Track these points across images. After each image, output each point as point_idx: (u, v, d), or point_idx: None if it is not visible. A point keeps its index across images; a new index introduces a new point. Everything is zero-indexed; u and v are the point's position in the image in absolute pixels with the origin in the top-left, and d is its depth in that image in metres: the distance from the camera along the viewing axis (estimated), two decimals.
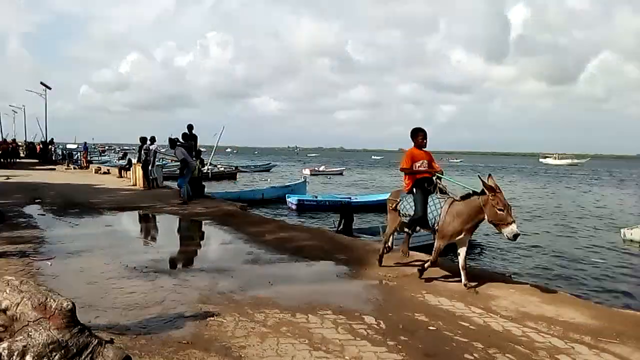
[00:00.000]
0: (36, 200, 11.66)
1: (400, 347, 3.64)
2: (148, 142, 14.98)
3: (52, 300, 1.47)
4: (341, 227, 11.36)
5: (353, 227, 11.47)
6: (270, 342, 3.68)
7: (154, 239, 8.54)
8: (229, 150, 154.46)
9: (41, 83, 34.26)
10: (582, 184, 45.85)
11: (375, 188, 32.34)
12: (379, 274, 5.74)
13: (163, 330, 3.85)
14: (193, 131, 13.55)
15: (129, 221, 9.81)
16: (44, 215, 9.81)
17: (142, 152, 14.99)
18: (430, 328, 4.07)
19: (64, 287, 4.85)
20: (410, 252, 6.73)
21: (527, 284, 5.58)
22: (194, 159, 12.97)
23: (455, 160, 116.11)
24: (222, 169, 35.97)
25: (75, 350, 1.39)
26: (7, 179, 16.27)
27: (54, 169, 24.04)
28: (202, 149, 14.67)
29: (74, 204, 11.21)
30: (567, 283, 10.11)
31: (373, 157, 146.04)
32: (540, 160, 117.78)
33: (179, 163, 13.28)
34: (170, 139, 13.03)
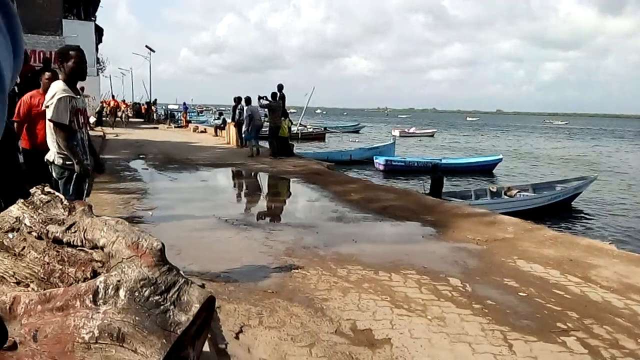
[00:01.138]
0: (140, 156, 12.61)
1: (486, 310, 3.51)
2: (243, 102, 15.44)
3: (144, 240, 1.55)
4: (430, 189, 11.07)
5: (443, 190, 11.11)
6: (352, 296, 3.71)
7: (245, 194, 8.93)
8: (318, 111, 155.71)
9: (146, 47, 36.56)
10: None
11: (468, 151, 31.07)
12: (467, 237, 5.54)
13: (250, 279, 4.03)
14: (283, 91, 13.76)
15: (222, 177, 10.31)
16: (147, 169, 10.60)
17: (237, 111, 15.53)
18: (521, 294, 3.87)
19: (162, 235, 5.25)
20: (500, 217, 6.42)
21: (633, 252, 5.09)
22: (282, 118, 13.22)
23: (559, 122, 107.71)
24: (311, 129, 36.33)
25: (163, 287, 1.46)
26: (116, 136, 17.77)
27: (157, 128, 25.77)
28: (292, 110, 14.93)
29: (174, 160, 11.98)
30: None
31: (468, 118, 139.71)
32: None
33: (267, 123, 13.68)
34: (259, 97, 13.42)
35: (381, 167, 18.79)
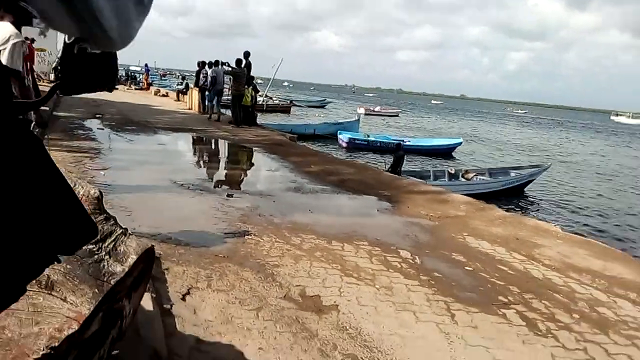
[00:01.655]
0: (97, 115, 12.14)
1: (432, 282, 3.60)
2: (206, 67, 15.03)
3: (80, 187, 1.49)
4: (390, 167, 11.21)
5: (403, 169, 11.28)
6: (303, 264, 3.73)
7: (203, 160, 8.77)
8: (286, 84, 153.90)
9: None
10: None
11: (430, 133, 31.55)
12: (420, 213, 5.65)
13: (202, 243, 3.98)
14: (249, 59, 13.46)
15: (181, 142, 10.08)
16: (102, 129, 10.22)
17: (200, 76, 15.11)
18: (467, 268, 3.99)
19: (113, 195, 5.10)
20: (454, 195, 6.57)
21: (577, 235, 5.34)
22: (247, 86, 12.98)
23: (519, 112, 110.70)
24: (277, 101, 35.92)
25: (98, 237, 1.40)
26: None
27: (117, 89, 24.80)
28: (259, 81, 14.69)
29: (132, 121, 11.60)
30: (622, 244, 9.66)
31: (433, 101, 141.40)
32: (612, 118, 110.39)
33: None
34: (221, 63, 13.15)
35: (344, 144, 18.84)
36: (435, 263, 4.05)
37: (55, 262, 0.83)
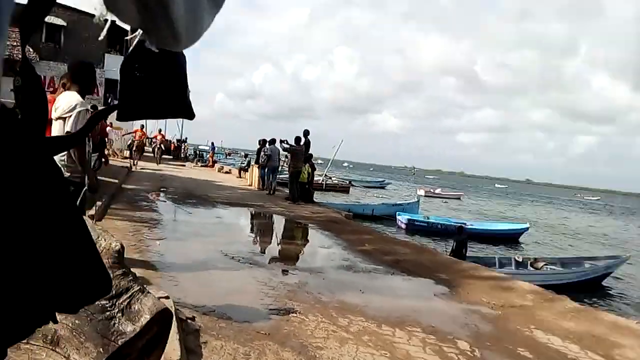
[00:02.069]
0: (161, 189, 12.68)
1: None
2: (266, 144, 15.56)
3: (102, 239, 1.41)
4: (452, 251, 10.66)
5: (466, 254, 10.66)
6: (349, 348, 3.44)
7: (256, 234, 8.77)
8: (345, 164, 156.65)
9: None
10: None
11: (495, 217, 30.37)
12: (482, 300, 5.20)
13: (245, 318, 3.81)
14: (308, 137, 13.81)
15: (237, 216, 10.20)
16: (165, 202, 10.60)
17: (261, 154, 15.63)
18: None
19: (165, 265, 5.11)
20: (519, 283, 6.06)
21: None
22: (305, 164, 13.21)
23: (590, 198, 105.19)
24: (336, 181, 36.33)
25: (114, 292, 1.30)
26: (141, 169, 18.03)
27: (184, 165, 26.17)
28: (319, 161, 15.02)
29: (193, 195, 11.99)
30: None
31: (496, 185, 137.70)
32: None
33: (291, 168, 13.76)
34: (280, 140, 13.57)
35: (403, 225, 18.39)
36: (498, 358, 3.62)
37: (51, 322, 0.71)
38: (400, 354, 3.44)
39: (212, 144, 34.69)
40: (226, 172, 23.36)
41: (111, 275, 1.36)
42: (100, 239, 1.42)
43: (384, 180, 57.82)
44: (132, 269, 3.76)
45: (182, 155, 32.87)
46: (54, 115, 3.45)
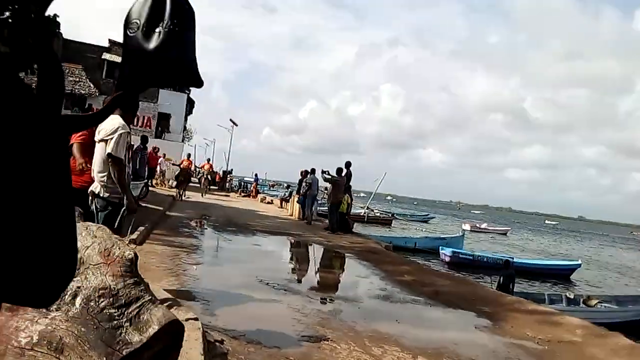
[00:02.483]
0: (203, 217, 12.90)
1: None
2: (308, 174, 15.65)
3: (117, 248, 1.41)
4: (499, 285, 10.18)
5: (513, 290, 10.13)
6: None
7: (293, 262, 8.71)
8: (388, 197, 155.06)
9: (230, 120, 38.96)
10: None
11: (543, 254, 29.06)
12: (526, 334, 4.89)
13: (275, 343, 3.72)
14: (350, 168, 13.80)
15: (276, 244, 10.20)
16: (205, 229, 10.76)
17: (302, 184, 15.72)
18: None
19: (199, 289, 5.12)
20: (567, 318, 5.69)
21: None
22: (345, 194, 13.16)
23: None
24: (378, 214, 35.94)
25: (123, 301, 1.29)
26: (187, 197, 18.44)
27: (228, 196, 26.64)
28: (362, 194, 14.97)
29: (234, 223, 12.11)
30: None
31: (546, 221, 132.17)
32: None
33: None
34: (322, 171, 13.58)
35: (447, 259, 17.82)
36: None
37: None
38: None
39: (256, 175, 35.24)
40: (268, 203, 23.59)
41: (122, 285, 1.35)
42: (114, 247, 1.42)
43: (428, 214, 56.68)
44: (164, 290, 3.78)
45: (227, 186, 33.49)
46: (97, 137, 3.58)
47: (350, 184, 13.87)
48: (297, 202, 16.09)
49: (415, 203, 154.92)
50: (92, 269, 1.37)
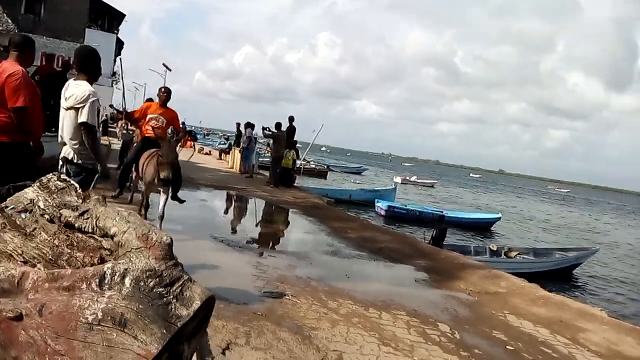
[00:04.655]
0: None
1: (473, 358, 3.50)
2: (246, 128, 15.57)
3: (153, 233, 1.60)
4: (432, 239, 10.99)
5: (444, 243, 11.00)
6: (340, 329, 3.70)
7: (242, 218, 8.95)
8: (323, 148, 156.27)
9: (163, 64, 37.20)
10: None
11: (467, 206, 31.12)
12: (460, 287, 5.54)
13: (240, 300, 4.02)
14: (293, 123, 13.94)
15: (222, 199, 10.35)
16: None
17: (243, 138, 15.70)
18: (509, 347, 3.86)
19: None
20: (494, 271, 6.43)
21: (624, 322, 5.08)
22: (288, 149, 13.36)
23: (561, 190, 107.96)
24: (314, 165, 36.53)
25: (168, 281, 1.50)
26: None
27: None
28: (299, 145, 15.16)
29: None
30: None
31: (471, 174, 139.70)
32: None
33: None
34: (262, 127, 13.61)
35: (382, 212, 18.72)
36: (475, 339, 3.94)
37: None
38: (388, 335, 3.72)
39: (183, 124, 34.32)
40: (206, 154, 23.34)
41: (164, 266, 1.56)
42: (151, 232, 1.61)
43: (361, 167, 58.27)
44: None
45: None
46: (65, 104, 3.53)
47: (295, 139, 14.07)
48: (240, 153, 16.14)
49: (348, 154, 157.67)
50: (134, 253, 1.56)
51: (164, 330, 1.39)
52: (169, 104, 6.41)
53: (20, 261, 1.71)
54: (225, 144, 24.66)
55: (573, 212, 45.74)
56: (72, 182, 1.93)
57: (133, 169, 6.42)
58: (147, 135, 6.25)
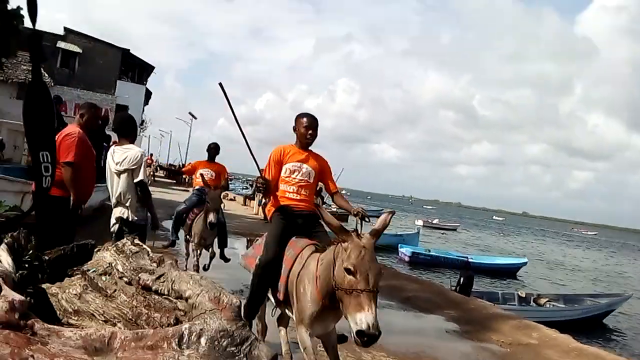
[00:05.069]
0: (170, 217, 12.97)
1: None
2: None
3: (224, 295, 1.79)
4: (458, 286, 10.91)
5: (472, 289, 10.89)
6: None
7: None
8: (343, 191, 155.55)
9: (189, 113, 38.63)
10: None
11: (492, 250, 30.64)
12: (491, 338, 5.53)
13: (279, 350, 4.12)
14: None
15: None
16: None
17: None
18: None
19: None
20: (525, 321, 6.38)
21: None
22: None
23: (587, 233, 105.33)
24: (335, 209, 36.59)
25: (239, 340, 1.67)
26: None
27: (187, 191, 26.46)
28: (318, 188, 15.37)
29: None
30: None
31: (494, 217, 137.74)
32: None
33: None
34: None
35: (406, 258, 18.63)
36: None
37: None
38: None
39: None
40: (231, 199, 23.72)
41: (235, 327, 1.74)
42: (222, 295, 1.80)
43: (382, 210, 57.88)
44: None
45: (185, 180, 33.14)
46: (117, 168, 3.83)
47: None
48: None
49: (369, 197, 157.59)
50: (208, 314, 1.75)
51: None
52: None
53: (102, 320, 1.92)
54: (248, 189, 25.10)
55: (601, 256, 44.49)
56: (144, 246, 2.15)
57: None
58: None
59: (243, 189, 45.69)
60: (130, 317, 1.86)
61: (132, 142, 3.97)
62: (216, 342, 1.66)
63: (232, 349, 1.66)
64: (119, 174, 3.77)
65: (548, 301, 11.46)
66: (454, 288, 9.96)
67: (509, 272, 19.76)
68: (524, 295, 11.67)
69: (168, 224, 11.58)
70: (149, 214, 4.06)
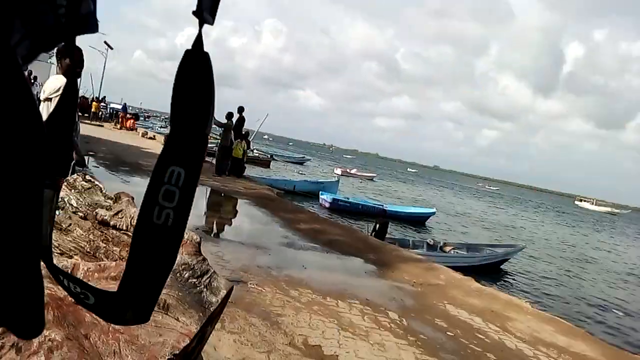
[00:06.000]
0: (89, 153, 12.38)
1: (419, 343, 4.00)
2: None
3: (185, 233, 1.90)
4: (374, 232, 11.60)
5: (386, 235, 11.65)
6: (303, 316, 4.09)
7: (200, 207, 9.08)
8: (265, 137, 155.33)
9: (105, 42, 35.61)
10: (621, 235, 44.46)
11: (406, 200, 32.40)
12: (405, 278, 6.08)
13: None
14: (243, 114, 14.05)
15: None
16: (97, 167, 10.49)
17: None
18: (449, 333, 4.41)
19: None
20: (434, 265, 7.04)
21: (545, 312, 5.83)
22: (238, 140, 13.50)
23: (491, 188, 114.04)
24: (257, 154, 36.49)
25: (199, 273, 1.81)
26: None
27: (102, 126, 25.04)
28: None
29: (125, 162, 11.92)
30: (585, 323, 10.19)
31: (409, 169, 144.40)
32: (576, 202, 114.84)
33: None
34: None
35: (327, 205, 19.23)
36: (421, 326, 4.45)
37: None
38: (345, 322, 4.15)
39: (125, 104, 33.23)
40: (150, 138, 22.85)
41: (195, 261, 1.86)
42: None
43: (304, 157, 58.76)
44: None
45: (100, 115, 31.21)
46: (42, 96, 3.67)
47: (246, 129, 14.21)
48: None
49: (290, 144, 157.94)
50: None
51: (201, 314, 1.71)
52: None
53: (57, 252, 1.95)
54: (167, 127, 24.23)
55: (498, 209, 48.66)
56: (97, 182, 2.17)
57: None
58: None
59: (160, 127, 43.93)
60: (88, 250, 1.91)
61: (63, 72, 3.76)
62: (178, 275, 1.78)
63: (194, 280, 1.79)
64: (42, 101, 3.61)
65: (453, 249, 12.60)
66: (370, 233, 10.59)
67: (419, 221, 21.16)
68: (432, 243, 12.70)
69: (85, 160, 11.07)
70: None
